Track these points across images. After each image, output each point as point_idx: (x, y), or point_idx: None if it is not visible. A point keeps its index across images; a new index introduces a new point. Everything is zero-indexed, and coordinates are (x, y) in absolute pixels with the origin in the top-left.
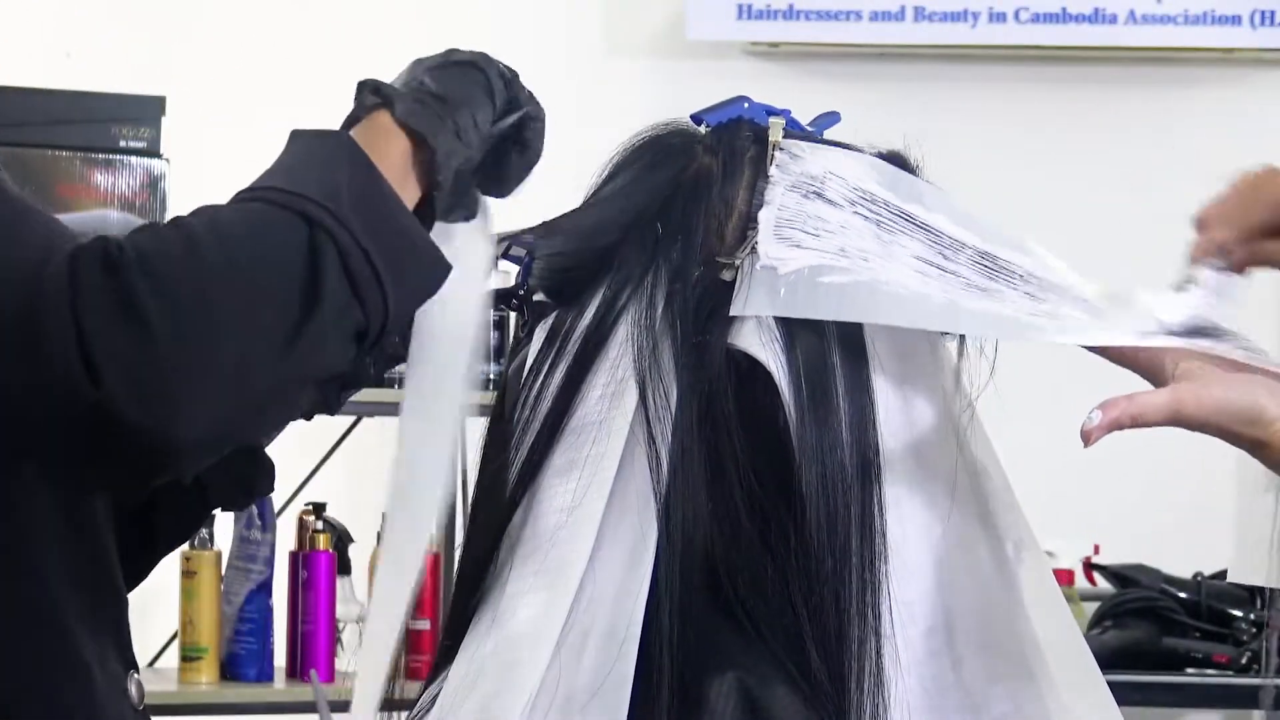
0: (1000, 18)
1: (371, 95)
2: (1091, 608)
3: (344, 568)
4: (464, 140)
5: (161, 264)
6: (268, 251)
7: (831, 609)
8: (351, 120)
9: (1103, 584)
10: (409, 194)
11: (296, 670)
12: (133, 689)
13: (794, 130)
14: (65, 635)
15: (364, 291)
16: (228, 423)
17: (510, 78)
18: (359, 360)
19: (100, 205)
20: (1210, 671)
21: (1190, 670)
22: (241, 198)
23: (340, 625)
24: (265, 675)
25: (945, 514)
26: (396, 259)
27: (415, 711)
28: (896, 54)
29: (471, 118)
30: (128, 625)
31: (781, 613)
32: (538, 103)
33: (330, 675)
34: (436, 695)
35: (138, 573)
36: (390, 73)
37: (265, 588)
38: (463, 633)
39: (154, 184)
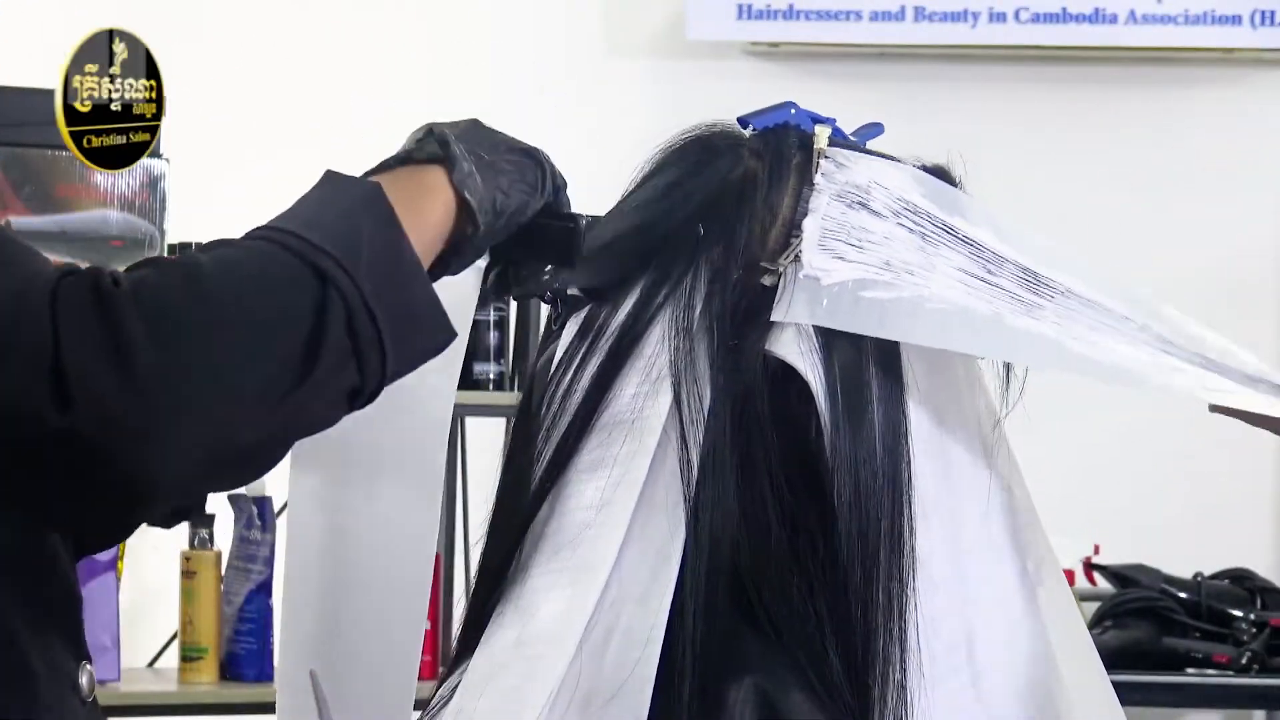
0: (1000, 18)
1: (435, 146)
2: (1091, 608)
3: None
4: (503, 224)
5: (156, 300)
6: (274, 304)
7: (859, 621)
8: (403, 159)
9: (1103, 584)
10: (433, 248)
11: None
12: (83, 679)
13: (837, 139)
14: (10, 644)
15: (365, 353)
16: (205, 471)
17: (561, 185)
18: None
19: (100, 205)
20: (1210, 671)
21: (1190, 670)
22: (258, 236)
23: None
24: (265, 675)
25: (972, 530)
26: (403, 323)
27: (434, 703)
28: (896, 54)
29: (518, 206)
30: (79, 618)
31: (805, 620)
32: (577, 217)
33: None
34: (456, 686)
35: None
36: (388, 72)
37: (265, 588)
38: (483, 625)
39: (154, 184)
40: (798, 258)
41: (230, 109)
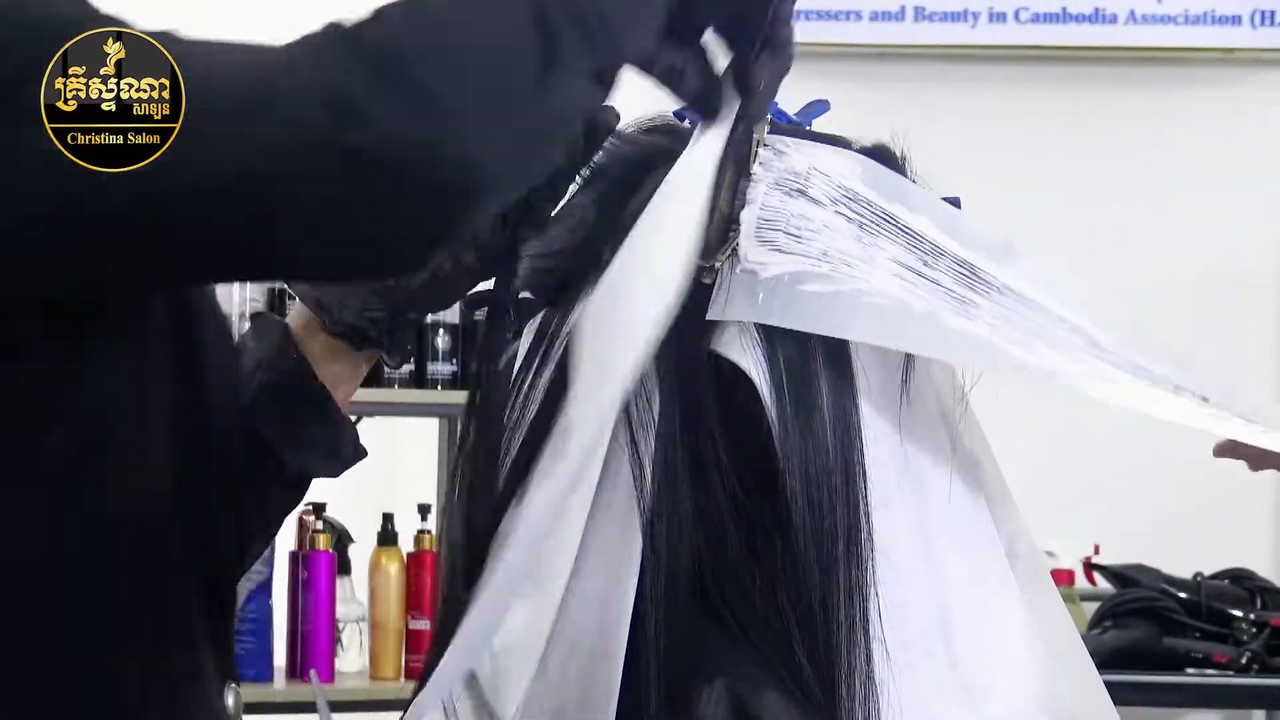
0: (1000, 18)
1: None
2: (1091, 608)
3: (344, 568)
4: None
5: (395, 25)
6: (497, 12)
7: (820, 615)
8: None
9: (1103, 584)
10: None
11: (296, 670)
12: (229, 699)
13: (781, 122)
14: (189, 644)
15: (602, 48)
16: (497, 155)
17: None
18: (604, 104)
19: None
20: (1210, 671)
21: (1190, 670)
22: None
23: (340, 625)
24: (265, 675)
25: (937, 511)
26: (627, 10)
27: (409, 716)
28: (896, 54)
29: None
30: (231, 635)
31: (769, 619)
32: None
33: (330, 675)
34: None
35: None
36: None
37: (265, 588)
38: (450, 639)
39: None
40: (735, 252)
41: None
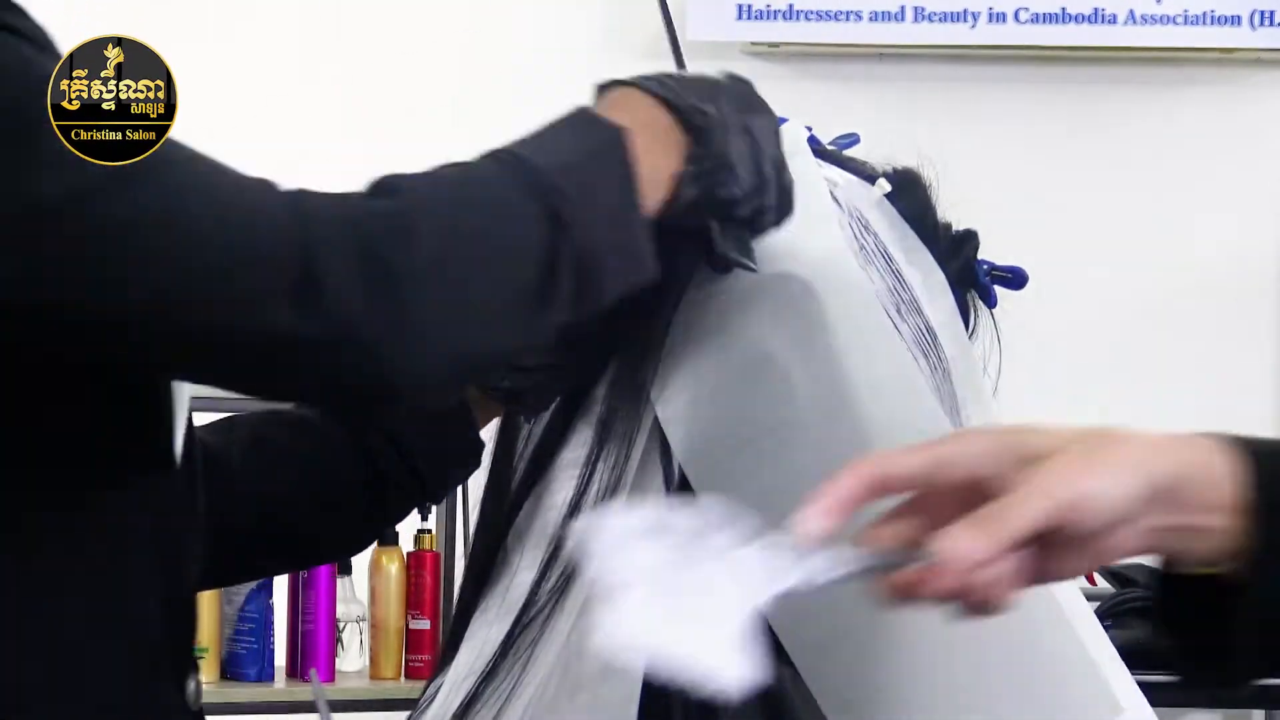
0: (1000, 18)
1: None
2: (1091, 608)
3: (344, 568)
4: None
5: (406, 231)
6: (512, 241)
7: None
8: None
9: (1102, 584)
10: (662, 187)
11: (296, 670)
12: (190, 686)
13: (813, 146)
14: (145, 621)
15: (585, 296)
16: (444, 381)
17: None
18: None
19: None
20: None
21: None
22: (501, 159)
23: (340, 625)
24: (265, 675)
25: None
26: (620, 268)
27: (420, 704)
28: (896, 54)
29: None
30: (194, 617)
31: None
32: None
33: (330, 675)
34: (440, 687)
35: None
36: (387, 73)
37: (265, 588)
38: (468, 623)
39: None
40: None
41: (230, 109)
